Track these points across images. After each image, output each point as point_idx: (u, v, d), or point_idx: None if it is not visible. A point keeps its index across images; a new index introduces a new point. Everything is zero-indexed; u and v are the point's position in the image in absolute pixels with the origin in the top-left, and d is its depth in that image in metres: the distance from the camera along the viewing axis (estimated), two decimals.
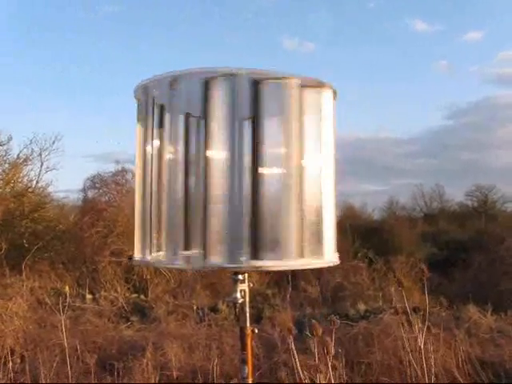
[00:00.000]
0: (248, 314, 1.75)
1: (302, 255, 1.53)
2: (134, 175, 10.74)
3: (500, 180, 23.77)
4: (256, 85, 1.46)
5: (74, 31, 24.87)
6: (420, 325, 4.75)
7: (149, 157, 1.62)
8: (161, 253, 1.60)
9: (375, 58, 29.33)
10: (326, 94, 1.63)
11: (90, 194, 12.21)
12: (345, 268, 10.97)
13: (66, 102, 24.99)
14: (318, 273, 11.08)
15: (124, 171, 11.86)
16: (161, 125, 1.58)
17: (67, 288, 9.40)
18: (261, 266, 1.54)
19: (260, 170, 1.48)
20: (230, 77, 1.46)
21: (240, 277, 1.68)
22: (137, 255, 1.67)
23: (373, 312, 8.05)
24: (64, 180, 22.49)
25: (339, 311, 8.23)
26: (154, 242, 1.60)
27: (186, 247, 1.56)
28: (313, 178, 1.58)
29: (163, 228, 1.59)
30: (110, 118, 23.93)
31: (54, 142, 13.46)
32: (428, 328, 5.01)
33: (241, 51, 21.77)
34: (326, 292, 10.56)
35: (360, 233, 14.25)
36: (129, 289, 10.38)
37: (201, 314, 8.19)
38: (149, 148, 1.61)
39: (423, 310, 4.85)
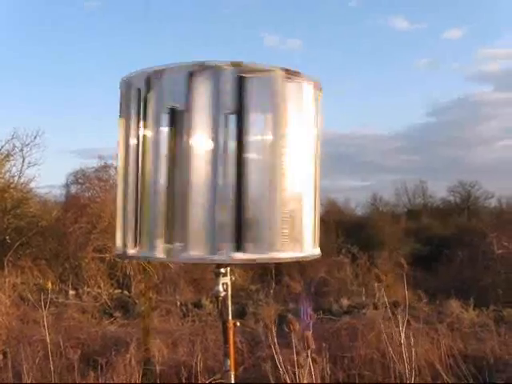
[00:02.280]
0: (230, 308, 1.75)
1: (283, 248, 1.52)
2: (116, 169, 10.72)
3: (482, 176, 24.01)
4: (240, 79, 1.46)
5: (64, 27, 24.66)
6: (402, 319, 4.78)
7: (131, 149, 1.61)
8: (143, 245, 1.59)
9: (358, 56, 29.45)
10: (308, 87, 1.62)
11: (73, 189, 12.13)
12: (328, 263, 11.01)
13: (49, 97, 24.82)
14: (302, 268, 11.12)
15: (107, 167, 11.77)
16: (144, 117, 1.58)
17: (50, 284, 9.37)
18: (243, 259, 1.53)
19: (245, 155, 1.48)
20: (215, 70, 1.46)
21: (222, 270, 1.68)
22: (118, 249, 1.65)
23: (356, 307, 8.11)
24: (46, 175, 22.28)
25: (323, 306, 8.26)
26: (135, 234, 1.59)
27: (168, 240, 1.55)
28: (295, 171, 1.58)
29: (145, 220, 1.59)
30: (94, 112, 23.80)
31: (35, 137, 13.31)
32: (410, 322, 5.05)
33: (223, 46, 21.66)
34: (309, 287, 10.59)
35: (344, 229, 14.31)
36: (112, 285, 10.32)
37: (184, 309, 8.20)
38: (132, 140, 1.60)
39: (405, 304, 4.87)
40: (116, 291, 10.05)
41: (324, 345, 4.59)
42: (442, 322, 6.56)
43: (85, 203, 11.39)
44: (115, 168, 11.56)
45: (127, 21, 25.21)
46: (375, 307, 6.95)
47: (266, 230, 1.52)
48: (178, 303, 8.43)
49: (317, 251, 1.69)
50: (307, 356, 3.22)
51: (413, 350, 4.52)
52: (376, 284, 8.71)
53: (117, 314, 8.31)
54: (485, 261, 10.68)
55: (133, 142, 1.58)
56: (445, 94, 37.97)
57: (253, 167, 1.49)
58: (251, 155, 1.49)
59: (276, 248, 1.53)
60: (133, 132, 1.59)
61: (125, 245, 1.62)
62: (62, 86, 25.06)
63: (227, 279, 1.70)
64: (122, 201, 1.62)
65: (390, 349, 4.66)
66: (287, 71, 1.55)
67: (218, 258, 1.49)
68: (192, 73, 1.46)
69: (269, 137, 1.52)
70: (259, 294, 9.87)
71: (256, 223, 1.51)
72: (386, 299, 5.11)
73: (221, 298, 1.71)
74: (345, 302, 8.53)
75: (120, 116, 1.66)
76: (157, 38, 24.71)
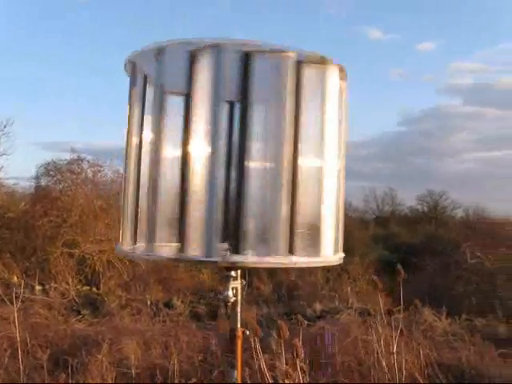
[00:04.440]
0: (239, 315, 1.64)
1: (291, 252, 1.40)
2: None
3: (449, 187, 24.34)
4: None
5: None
6: (378, 326, 4.73)
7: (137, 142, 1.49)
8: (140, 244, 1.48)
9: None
10: (331, 73, 1.48)
11: (43, 181, 11.81)
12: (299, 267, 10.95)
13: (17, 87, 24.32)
14: (272, 271, 11.05)
15: (80, 160, 11.52)
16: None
17: (15, 278, 9.11)
18: (242, 262, 1.39)
19: (246, 163, 1.35)
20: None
21: (233, 273, 1.56)
22: (125, 246, 1.53)
23: (329, 312, 8.04)
24: (13, 167, 21.71)
25: (295, 310, 8.18)
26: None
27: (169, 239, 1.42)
28: (310, 172, 1.47)
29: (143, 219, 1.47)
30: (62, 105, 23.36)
31: (5, 127, 12.98)
32: (386, 329, 4.99)
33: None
34: (279, 291, 10.52)
35: None
36: (80, 281, 10.07)
37: (155, 309, 8.03)
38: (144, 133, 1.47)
39: (380, 311, 4.81)
40: (84, 288, 9.81)
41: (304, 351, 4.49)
42: (414, 330, 6.52)
43: (55, 196, 11.09)
44: (88, 161, 11.36)
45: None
46: (355, 311, 6.90)
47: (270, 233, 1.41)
48: (149, 302, 8.25)
49: (336, 258, 1.61)
50: (294, 364, 3.12)
51: (390, 356, 4.45)
52: (349, 289, 8.70)
53: (85, 311, 8.09)
54: (457, 270, 10.73)
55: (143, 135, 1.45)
56: (416, 105, 38.53)
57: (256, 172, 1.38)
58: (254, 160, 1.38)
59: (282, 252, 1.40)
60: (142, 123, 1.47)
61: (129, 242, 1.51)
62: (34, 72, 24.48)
63: (237, 283, 1.59)
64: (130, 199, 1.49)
65: (376, 356, 4.58)
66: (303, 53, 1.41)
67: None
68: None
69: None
70: None
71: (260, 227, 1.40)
72: (358, 305, 5.04)
73: (230, 304, 1.60)
74: (318, 306, 8.46)
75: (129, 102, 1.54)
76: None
